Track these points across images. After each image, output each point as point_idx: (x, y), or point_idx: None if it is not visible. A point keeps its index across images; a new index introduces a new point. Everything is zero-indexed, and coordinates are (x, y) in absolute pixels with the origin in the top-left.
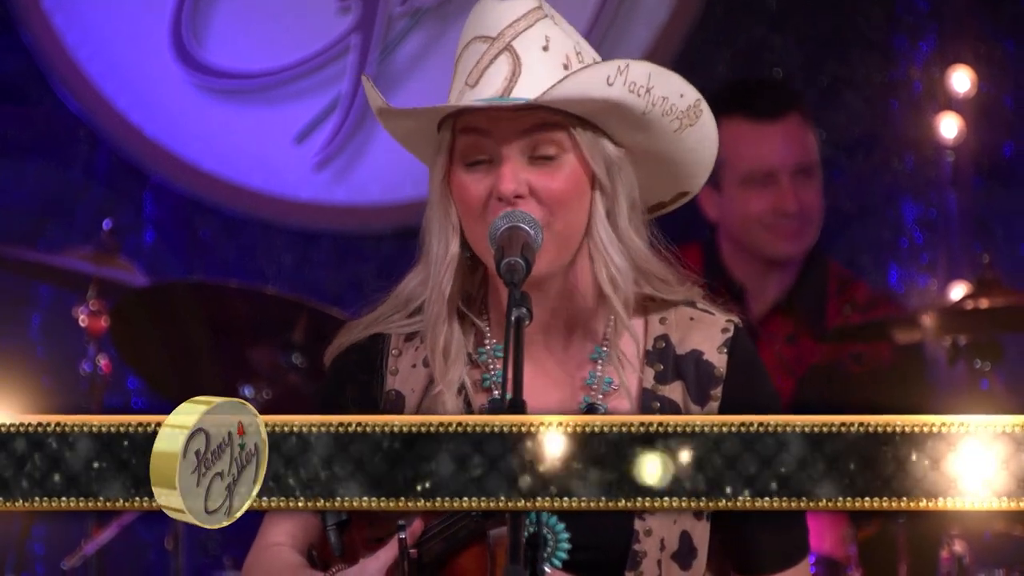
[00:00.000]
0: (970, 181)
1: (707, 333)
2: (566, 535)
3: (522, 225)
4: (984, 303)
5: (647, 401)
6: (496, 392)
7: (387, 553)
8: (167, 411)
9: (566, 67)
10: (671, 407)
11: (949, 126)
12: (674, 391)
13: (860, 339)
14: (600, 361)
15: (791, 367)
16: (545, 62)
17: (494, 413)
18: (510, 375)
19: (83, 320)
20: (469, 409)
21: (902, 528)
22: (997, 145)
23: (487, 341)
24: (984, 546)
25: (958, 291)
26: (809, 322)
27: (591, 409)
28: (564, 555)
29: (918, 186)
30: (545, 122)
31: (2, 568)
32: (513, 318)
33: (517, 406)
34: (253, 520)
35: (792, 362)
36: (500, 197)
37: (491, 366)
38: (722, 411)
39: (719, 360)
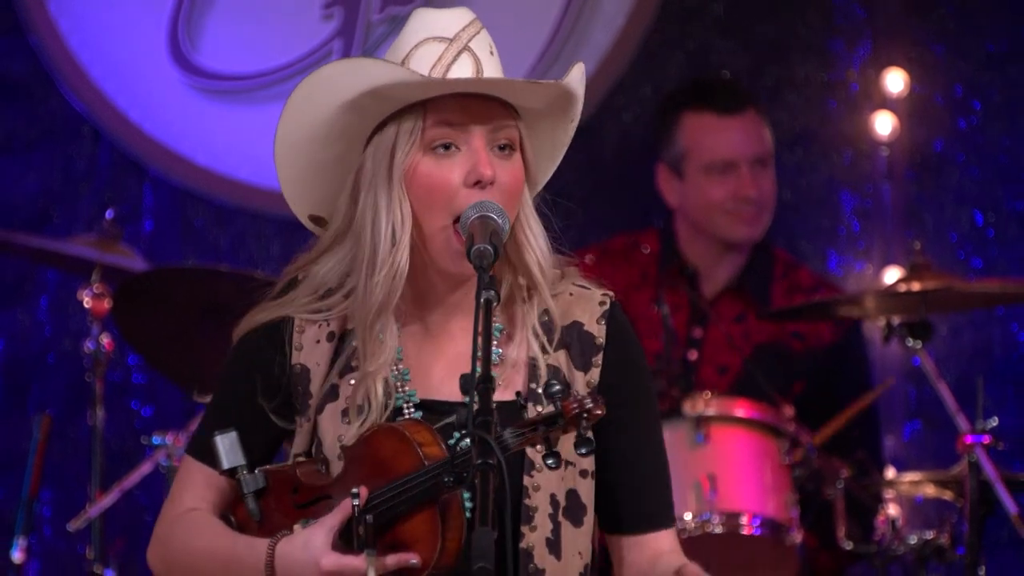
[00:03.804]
0: (903, 174)
1: (586, 307)
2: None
3: (491, 215)
4: (916, 286)
5: (534, 370)
6: (400, 365)
7: (334, 519)
8: (165, 385)
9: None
10: (555, 374)
11: (884, 123)
12: (558, 359)
13: (801, 318)
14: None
15: (739, 345)
16: (495, 64)
17: (465, 388)
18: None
19: (87, 302)
20: (386, 387)
21: (840, 493)
22: (928, 141)
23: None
24: (916, 510)
25: (892, 275)
26: (756, 303)
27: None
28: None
29: (855, 179)
30: (507, 116)
31: (12, 529)
32: (483, 300)
33: (487, 381)
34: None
35: (740, 340)
36: (479, 180)
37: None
38: (603, 376)
39: (599, 331)
